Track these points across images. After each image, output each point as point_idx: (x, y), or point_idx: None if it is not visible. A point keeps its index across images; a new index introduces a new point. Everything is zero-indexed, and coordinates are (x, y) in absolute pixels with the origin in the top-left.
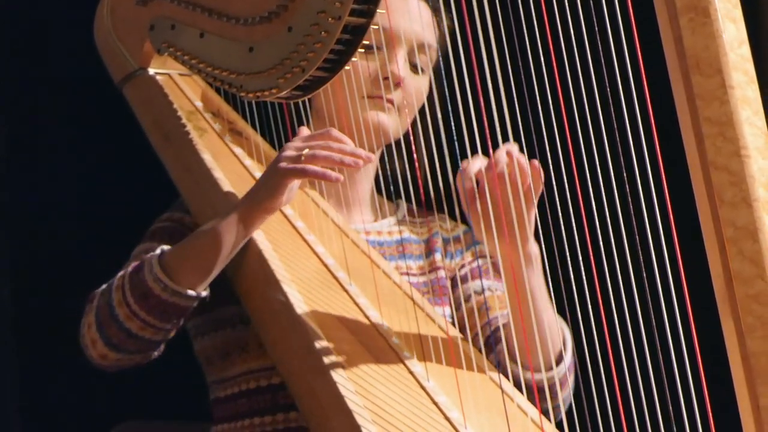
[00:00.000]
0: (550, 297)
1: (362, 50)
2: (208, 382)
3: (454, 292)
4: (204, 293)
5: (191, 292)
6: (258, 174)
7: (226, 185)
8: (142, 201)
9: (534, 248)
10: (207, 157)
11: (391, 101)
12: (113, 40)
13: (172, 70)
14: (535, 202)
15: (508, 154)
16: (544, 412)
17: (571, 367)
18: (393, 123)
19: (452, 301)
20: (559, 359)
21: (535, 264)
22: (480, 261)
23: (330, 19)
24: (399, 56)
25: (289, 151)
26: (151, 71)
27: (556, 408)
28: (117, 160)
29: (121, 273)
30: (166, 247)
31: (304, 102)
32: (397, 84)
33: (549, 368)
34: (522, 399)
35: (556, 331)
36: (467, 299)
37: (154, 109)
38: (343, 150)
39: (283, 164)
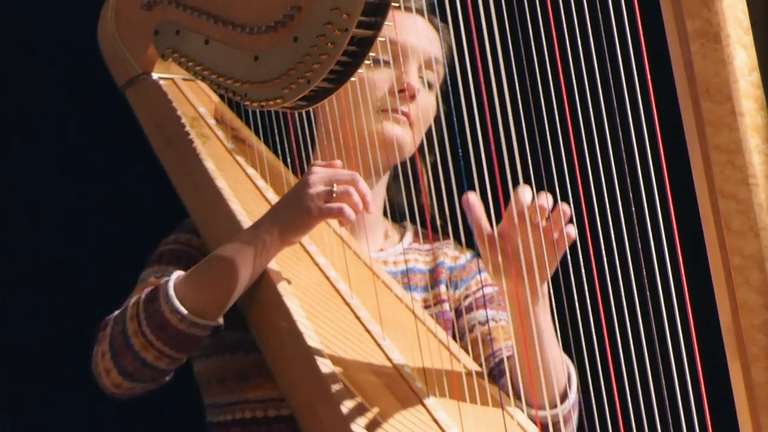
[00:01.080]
0: (556, 333)
1: (373, 63)
2: (204, 404)
3: (458, 321)
4: (220, 321)
5: (209, 323)
6: (260, 183)
7: (228, 193)
8: (145, 208)
9: (545, 287)
10: (209, 163)
11: (406, 114)
12: (117, 44)
13: (176, 75)
14: (564, 251)
15: (542, 208)
16: None
17: (575, 405)
18: (408, 136)
19: (457, 330)
20: (564, 397)
21: (543, 302)
22: (485, 290)
23: (337, 30)
24: (412, 69)
25: (320, 187)
26: (155, 76)
27: None
28: (120, 163)
29: (134, 300)
30: (179, 274)
31: (308, 111)
32: (413, 96)
33: (553, 406)
34: (522, 417)
35: (561, 369)
36: (471, 329)
37: (156, 114)
38: (364, 192)
39: (319, 203)
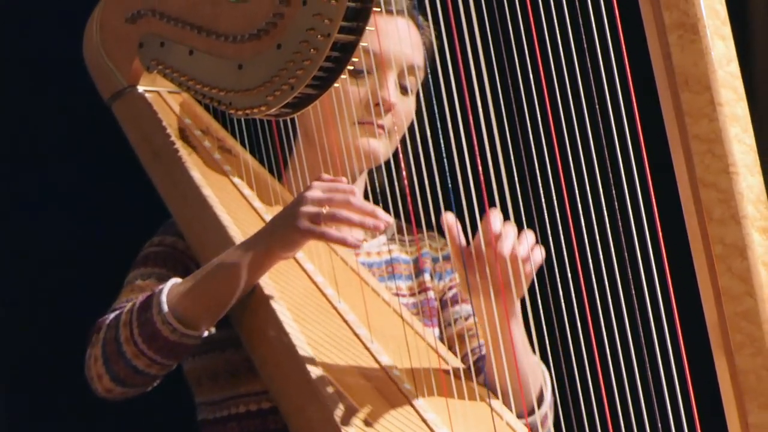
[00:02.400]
0: (531, 340)
1: (352, 74)
2: (196, 403)
3: (442, 313)
4: (212, 330)
5: (200, 333)
6: (247, 192)
7: (215, 202)
8: (131, 219)
9: (517, 304)
10: (196, 174)
11: (381, 127)
12: (102, 58)
13: (162, 87)
14: (533, 277)
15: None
16: None
17: (551, 406)
18: (383, 148)
19: (441, 321)
20: (540, 399)
21: (516, 317)
22: None
23: (319, 36)
24: (390, 81)
25: (310, 207)
26: (141, 89)
27: None
28: (105, 177)
29: (128, 307)
30: (173, 282)
31: (292, 119)
32: (388, 110)
33: (531, 413)
34: (510, 416)
35: (537, 376)
36: (454, 323)
37: (143, 127)
38: (364, 211)
39: (305, 223)
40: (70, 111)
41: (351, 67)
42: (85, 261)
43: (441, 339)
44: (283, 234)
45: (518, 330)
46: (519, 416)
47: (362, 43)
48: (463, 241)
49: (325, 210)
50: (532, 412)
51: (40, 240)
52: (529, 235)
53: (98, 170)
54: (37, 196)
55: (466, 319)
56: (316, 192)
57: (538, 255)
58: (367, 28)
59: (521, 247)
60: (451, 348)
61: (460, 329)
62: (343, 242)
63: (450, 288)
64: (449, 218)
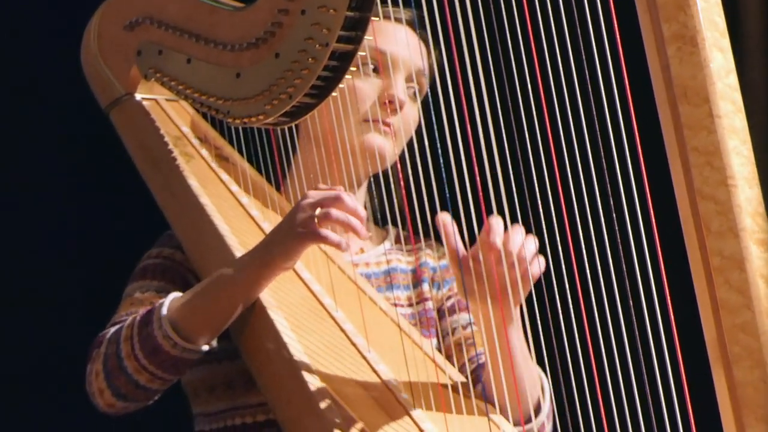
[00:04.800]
0: (529, 348)
1: (362, 71)
2: (193, 414)
3: (441, 322)
4: (213, 344)
5: (201, 347)
6: (244, 200)
7: (213, 210)
8: (128, 227)
9: (517, 310)
10: (193, 182)
11: (388, 125)
12: (100, 66)
13: (159, 95)
14: (533, 282)
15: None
16: None
17: (549, 415)
18: (390, 147)
19: (439, 331)
20: (538, 408)
21: (515, 324)
22: None
23: (317, 45)
24: (399, 81)
25: (306, 212)
26: (138, 97)
27: None
28: (103, 186)
29: (129, 321)
30: (173, 297)
31: (291, 127)
32: (398, 108)
33: (528, 420)
34: (508, 427)
35: (535, 383)
36: (452, 332)
37: (140, 135)
38: (351, 210)
39: (302, 229)
40: (68, 120)
41: (361, 66)
42: (84, 266)
43: (439, 349)
44: (282, 244)
45: (517, 336)
46: (516, 424)
47: (370, 47)
48: (460, 243)
49: (317, 212)
50: (529, 420)
51: (37, 249)
52: (532, 242)
53: (96, 178)
54: (33, 205)
55: (465, 328)
56: (310, 200)
57: (537, 267)
58: (365, 37)
59: (527, 249)
60: (449, 357)
61: (458, 338)
62: (338, 246)
63: (448, 297)
64: (444, 218)
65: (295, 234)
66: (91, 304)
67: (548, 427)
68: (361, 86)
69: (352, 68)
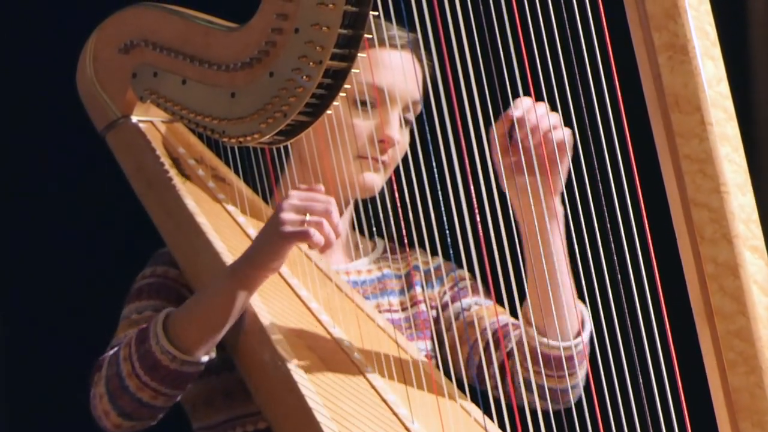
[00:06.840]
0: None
1: (357, 106)
2: (193, 428)
3: (444, 314)
4: (212, 354)
5: (200, 359)
6: (241, 219)
7: (209, 230)
8: (125, 249)
9: (559, 206)
10: (190, 202)
11: (384, 162)
12: (96, 89)
13: (155, 117)
14: (569, 154)
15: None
16: (563, 392)
17: (587, 348)
18: (380, 181)
19: (443, 324)
20: (577, 336)
21: (558, 222)
22: (460, 284)
23: (311, 63)
24: (395, 118)
25: (290, 214)
26: (134, 119)
27: (574, 388)
28: (101, 208)
29: (126, 340)
30: (168, 311)
31: (285, 147)
32: (391, 147)
33: (567, 339)
34: (493, 427)
35: (572, 305)
36: (457, 317)
37: (137, 157)
38: (337, 232)
39: (287, 228)
40: (67, 144)
41: (360, 102)
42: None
43: (434, 352)
44: (268, 244)
45: (558, 237)
46: (554, 339)
47: (365, 80)
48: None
49: (307, 217)
50: (567, 339)
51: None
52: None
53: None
54: (31, 225)
55: (468, 309)
56: (293, 200)
57: (562, 134)
58: (359, 54)
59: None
60: (465, 337)
61: (464, 320)
62: (326, 247)
63: (444, 292)
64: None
65: (280, 235)
66: (90, 326)
67: (585, 363)
68: (354, 123)
69: (342, 94)
